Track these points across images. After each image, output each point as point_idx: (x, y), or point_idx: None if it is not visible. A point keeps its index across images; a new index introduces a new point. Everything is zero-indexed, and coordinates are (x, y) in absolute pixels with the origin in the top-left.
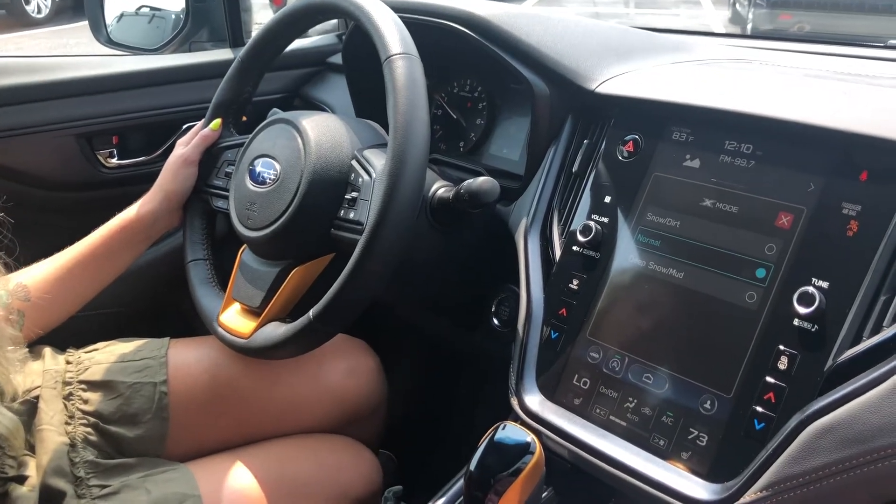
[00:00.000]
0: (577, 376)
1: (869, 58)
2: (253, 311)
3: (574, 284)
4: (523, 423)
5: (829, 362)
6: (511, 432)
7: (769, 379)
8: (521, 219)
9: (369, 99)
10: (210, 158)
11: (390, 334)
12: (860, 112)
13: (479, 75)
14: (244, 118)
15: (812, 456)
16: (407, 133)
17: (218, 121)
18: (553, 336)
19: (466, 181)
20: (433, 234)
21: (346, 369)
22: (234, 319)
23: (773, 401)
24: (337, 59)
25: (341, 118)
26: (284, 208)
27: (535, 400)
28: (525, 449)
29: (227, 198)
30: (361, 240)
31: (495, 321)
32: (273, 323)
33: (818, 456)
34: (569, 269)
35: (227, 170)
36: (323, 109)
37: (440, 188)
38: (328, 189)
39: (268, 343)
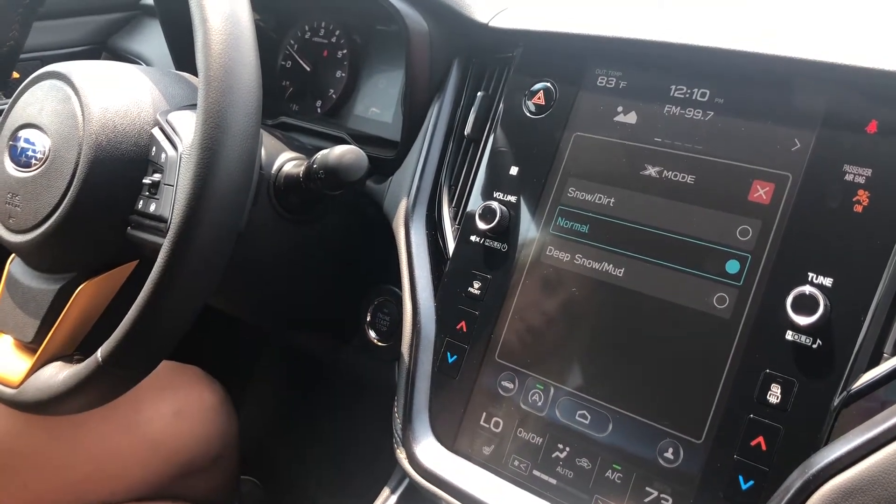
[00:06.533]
0: (485, 415)
1: None
2: (28, 347)
3: (475, 288)
4: (413, 486)
5: (840, 391)
6: None
7: (756, 417)
8: (400, 199)
9: (191, 47)
10: None
11: (241, 352)
12: (862, 40)
13: (337, 14)
14: (16, 75)
15: None
16: (224, 83)
17: None
18: (450, 359)
19: (321, 152)
20: (281, 226)
21: (172, 412)
22: (1, 359)
23: (763, 448)
24: None
25: (144, 71)
26: (58, 200)
27: (429, 450)
28: None
29: None
30: (164, 245)
31: (372, 333)
32: (54, 364)
33: None
34: (467, 266)
35: None
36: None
37: (287, 162)
38: (119, 170)
39: (44, 395)
